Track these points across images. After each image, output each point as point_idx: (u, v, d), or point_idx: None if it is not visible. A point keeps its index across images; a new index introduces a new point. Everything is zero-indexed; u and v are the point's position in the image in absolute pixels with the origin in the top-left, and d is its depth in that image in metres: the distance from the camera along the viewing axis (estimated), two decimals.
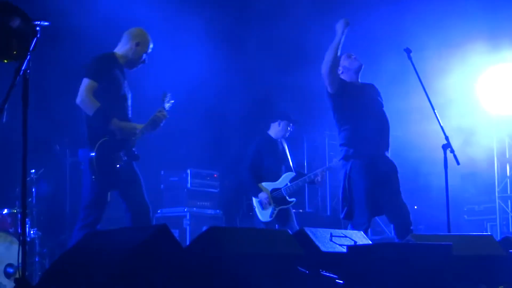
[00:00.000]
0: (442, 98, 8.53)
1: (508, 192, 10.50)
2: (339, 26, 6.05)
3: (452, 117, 8.73)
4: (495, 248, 5.21)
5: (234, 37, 9.71)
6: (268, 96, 9.88)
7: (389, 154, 6.26)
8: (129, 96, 5.81)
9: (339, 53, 6.03)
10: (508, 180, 10.54)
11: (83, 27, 7.85)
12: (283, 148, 7.92)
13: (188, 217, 8.87)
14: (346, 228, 6.14)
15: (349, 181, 6.04)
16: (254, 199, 7.64)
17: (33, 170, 7.48)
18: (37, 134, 5.05)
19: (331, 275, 4.26)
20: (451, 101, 9.39)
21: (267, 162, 7.73)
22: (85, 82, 5.49)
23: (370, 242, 5.12)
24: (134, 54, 5.78)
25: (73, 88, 5.57)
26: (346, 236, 4.84)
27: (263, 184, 7.66)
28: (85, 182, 5.55)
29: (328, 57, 6.00)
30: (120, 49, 5.80)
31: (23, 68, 3.79)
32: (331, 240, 4.68)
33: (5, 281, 6.73)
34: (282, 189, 7.64)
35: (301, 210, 10.26)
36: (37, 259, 7.36)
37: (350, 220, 6.08)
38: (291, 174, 7.76)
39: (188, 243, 5.94)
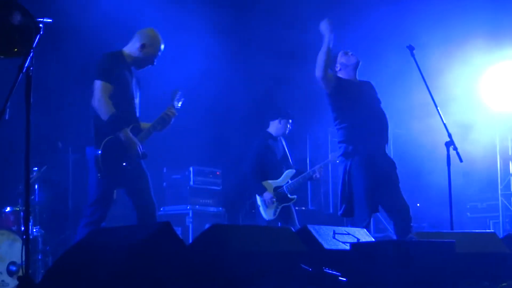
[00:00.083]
0: (445, 95, 8.52)
1: (511, 190, 10.50)
2: (324, 28, 6.04)
3: (454, 114, 8.73)
4: (498, 245, 5.21)
5: (237, 34, 9.70)
6: (271, 94, 9.87)
7: (387, 150, 6.26)
8: (137, 95, 5.78)
9: (329, 56, 6.01)
10: (510, 177, 10.54)
11: (85, 25, 7.84)
12: (283, 145, 7.94)
13: (190, 215, 8.87)
14: (346, 225, 6.15)
15: (349, 177, 6.04)
16: (258, 198, 7.65)
17: (36, 168, 7.47)
18: (40, 132, 5.05)
19: (334, 272, 4.26)
20: (453, 98, 9.38)
21: (269, 160, 7.75)
22: (99, 85, 5.46)
23: (373, 240, 5.12)
24: (141, 55, 5.74)
25: (76, 85, 5.57)
26: (349, 234, 4.85)
27: (267, 182, 7.67)
28: (91, 179, 5.54)
29: (319, 61, 6.00)
30: (129, 48, 5.77)
31: (26, 65, 3.78)
32: (334, 237, 4.68)
33: (8, 279, 6.73)
34: (284, 186, 7.67)
35: (303, 208, 10.25)
36: (40, 257, 7.35)
37: (348, 217, 6.09)
38: (291, 172, 7.79)
39: (190, 240, 5.96)
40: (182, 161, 9.30)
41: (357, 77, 6.30)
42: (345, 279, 4.23)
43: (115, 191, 5.60)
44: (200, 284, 3.78)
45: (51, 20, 3.95)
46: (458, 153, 6.11)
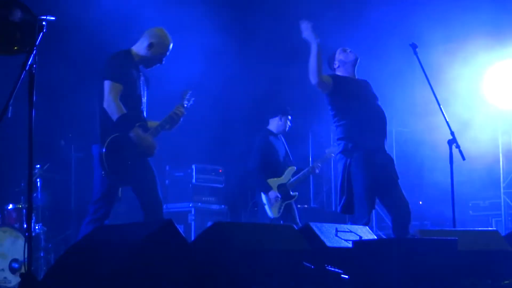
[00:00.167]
0: (448, 93, 8.52)
1: None
2: (307, 33, 6.02)
3: (457, 112, 8.72)
4: (500, 243, 5.20)
5: (240, 30, 9.70)
6: (272, 92, 9.87)
7: (388, 147, 6.27)
8: (144, 93, 5.77)
9: (320, 60, 5.99)
10: None
11: (88, 23, 7.85)
12: (283, 142, 7.96)
13: (193, 213, 8.89)
14: (346, 222, 6.16)
15: (349, 174, 6.03)
16: (263, 196, 7.66)
17: (38, 165, 7.48)
18: (43, 129, 5.05)
19: (337, 270, 4.26)
20: (456, 96, 9.38)
21: (272, 158, 7.76)
22: (109, 85, 5.44)
23: (376, 237, 5.12)
24: (148, 54, 5.72)
25: (79, 83, 5.57)
26: (351, 231, 4.84)
27: (270, 180, 7.68)
28: (96, 177, 5.54)
29: (311, 68, 5.95)
30: (137, 47, 5.75)
31: (29, 63, 3.78)
32: (336, 235, 4.68)
33: (10, 276, 6.74)
34: (286, 184, 7.68)
35: (306, 206, 10.26)
36: (42, 254, 7.37)
37: (348, 213, 6.08)
38: (293, 169, 7.81)
39: (193, 238, 5.96)
40: (185, 159, 9.30)
41: (355, 74, 6.29)
42: (347, 276, 4.23)
43: (120, 189, 5.59)
44: (203, 282, 3.78)
45: (54, 18, 3.94)
46: (460, 151, 6.10)
